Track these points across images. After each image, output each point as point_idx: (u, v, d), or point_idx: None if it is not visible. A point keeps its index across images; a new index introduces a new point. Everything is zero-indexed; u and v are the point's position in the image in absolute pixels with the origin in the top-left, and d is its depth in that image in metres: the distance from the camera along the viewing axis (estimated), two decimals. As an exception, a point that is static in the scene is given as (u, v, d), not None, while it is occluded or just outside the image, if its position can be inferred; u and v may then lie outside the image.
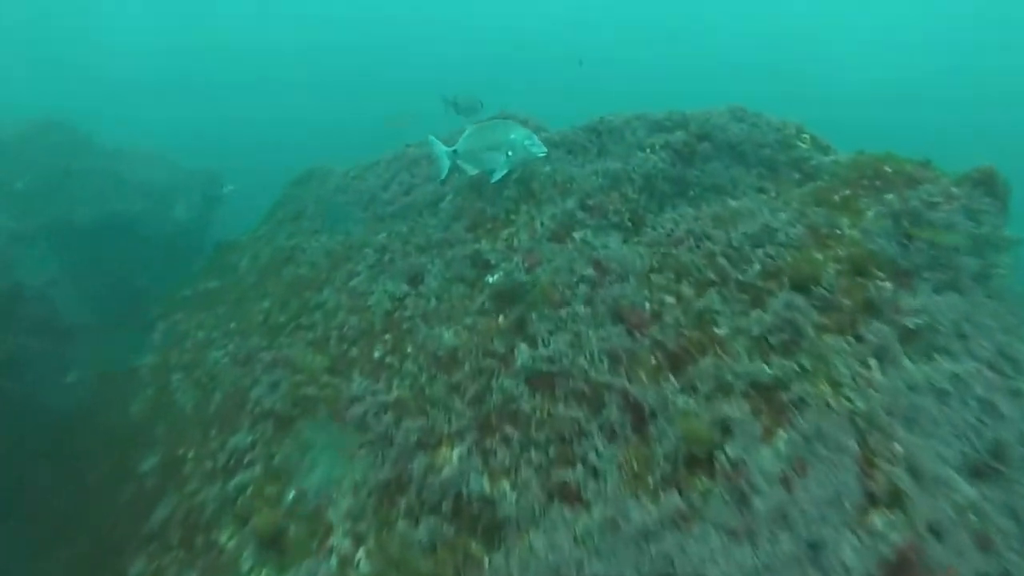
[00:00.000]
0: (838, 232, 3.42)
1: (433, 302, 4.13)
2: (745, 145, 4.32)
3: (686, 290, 3.41)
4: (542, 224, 4.25)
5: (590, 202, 4.23)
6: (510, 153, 4.50)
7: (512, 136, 4.47)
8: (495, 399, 3.27)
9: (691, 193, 4.28)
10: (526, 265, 3.92)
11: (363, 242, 5.24)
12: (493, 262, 4.13)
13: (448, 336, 3.76)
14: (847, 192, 3.80)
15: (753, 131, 4.37)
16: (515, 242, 4.24)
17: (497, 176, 4.58)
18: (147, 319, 6.70)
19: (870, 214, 3.52)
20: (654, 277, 3.54)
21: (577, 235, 4.07)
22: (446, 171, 4.90)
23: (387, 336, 4.11)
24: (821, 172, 4.16)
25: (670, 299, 3.39)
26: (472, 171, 4.75)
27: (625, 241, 4.00)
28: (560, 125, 5.15)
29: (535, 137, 4.45)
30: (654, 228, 3.99)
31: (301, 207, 6.73)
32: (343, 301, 4.64)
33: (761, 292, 3.22)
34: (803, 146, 4.45)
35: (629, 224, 4.09)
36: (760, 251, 3.42)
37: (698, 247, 3.62)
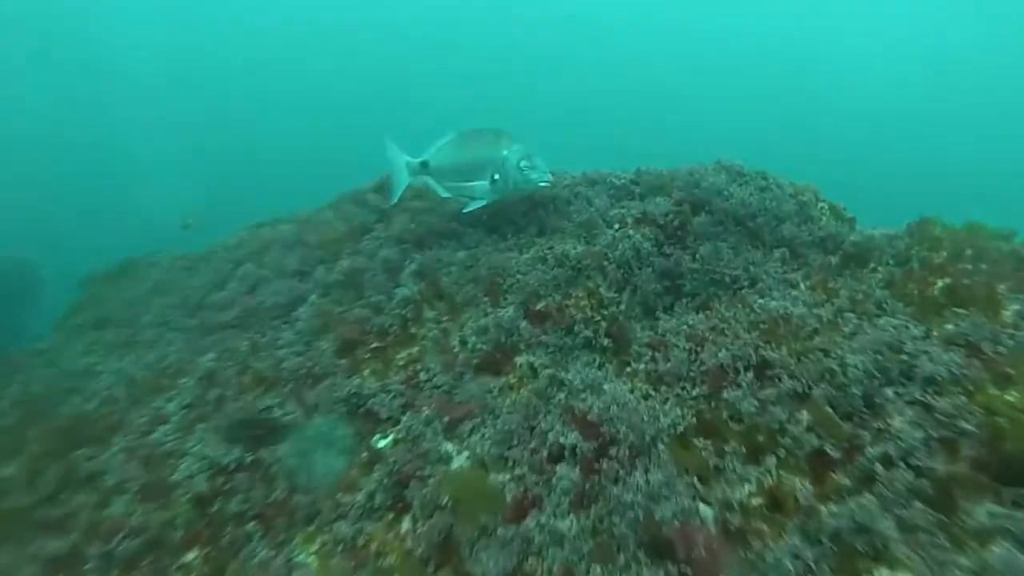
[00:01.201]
0: (1001, 350, 2.00)
1: (279, 488, 2.39)
2: (759, 218, 2.91)
3: (785, 480, 1.86)
4: (465, 343, 2.64)
5: (540, 306, 2.66)
6: (496, 176, 3.11)
7: (504, 153, 3.10)
8: None
9: (687, 287, 2.80)
10: (444, 422, 2.28)
11: (180, 367, 3.42)
12: (384, 412, 2.46)
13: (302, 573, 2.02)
14: (948, 281, 2.44)
15: (764, 198, 2.98)
16: (421, 374, 2.60)
17: (472, 206, 3.20)
18: None
19: None
20: (698, 448, 1.99)
21: (525, 361, 2.48)
22: (401, 189, 3.40)
23: (192, 555, 2.30)
24: (874, 253, 2.80)
25: (756, 498, 1.84)
26: (444, 193, 3.36)
27: (600, 366, 2.45)
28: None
29: (536, 159, 3.05)
30: (654, 349, 2.46)
31: (107, 311, 4.81)
32: (132, 472, 2.79)
33: (946, 486, 1.71)
34: (823, 218, 3.10)
35: (607, 342, 2.55)
36: (896, 391, 1.94)
37: (761, 384, 2.11)
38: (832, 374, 2.07)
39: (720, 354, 2.25)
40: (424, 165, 3.31)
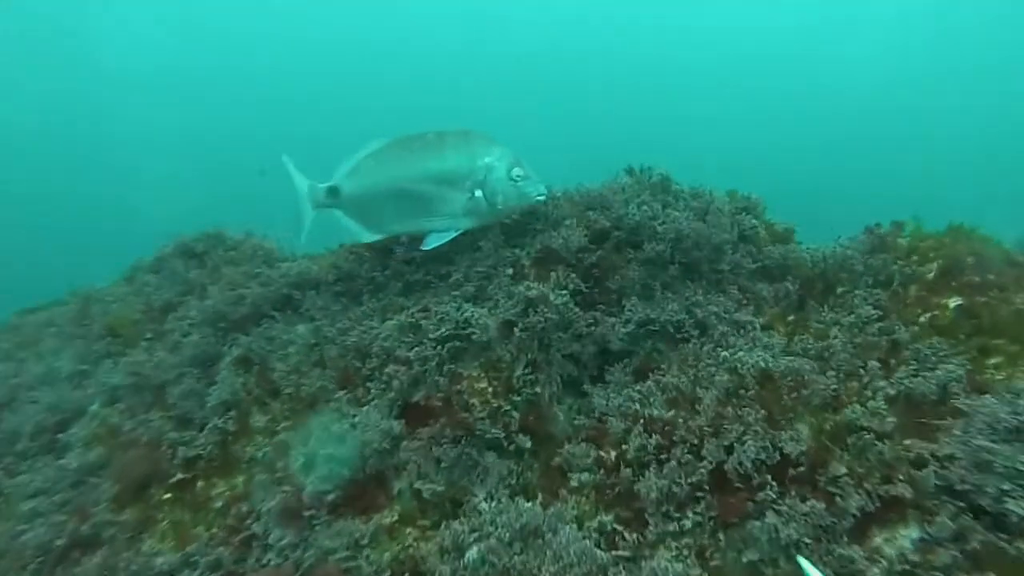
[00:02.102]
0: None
1: None
2: (697, 248, 2.21)
3: None
4: (312, 465, 1.76)
5: (418, 397, 1.83)
6: (477, 193, 2.15)
7: (486, 160, 2.16)
8: None
9: (617, 345, 2.05)
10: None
11: None
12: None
13: None
14: (960, 301, 1.84)
15: (703, 225, 2.29)
16: (250, 524, 1.69)
17: (434, 241, 2.18)
18: None
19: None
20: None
21: (406, 487, 1.63)
22: (307, 228, 2.35)
23: None
24: (840, 275, 2.18)
25: None
26: (367, 235, 2.26)
27: (523, 485, 1.64)
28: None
29: (525, 165, 2.18)
30: (597, 446, 1.68)
31: None
32: None
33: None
34: (764, 235, 2.46)
35: (524, 440, 1.75)
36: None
37: (800, 497, 1.38)
38: (919, 483, 1.36)
39: (708, 447, 1.49)
40: (332, 193, 2.25)
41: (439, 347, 1.90)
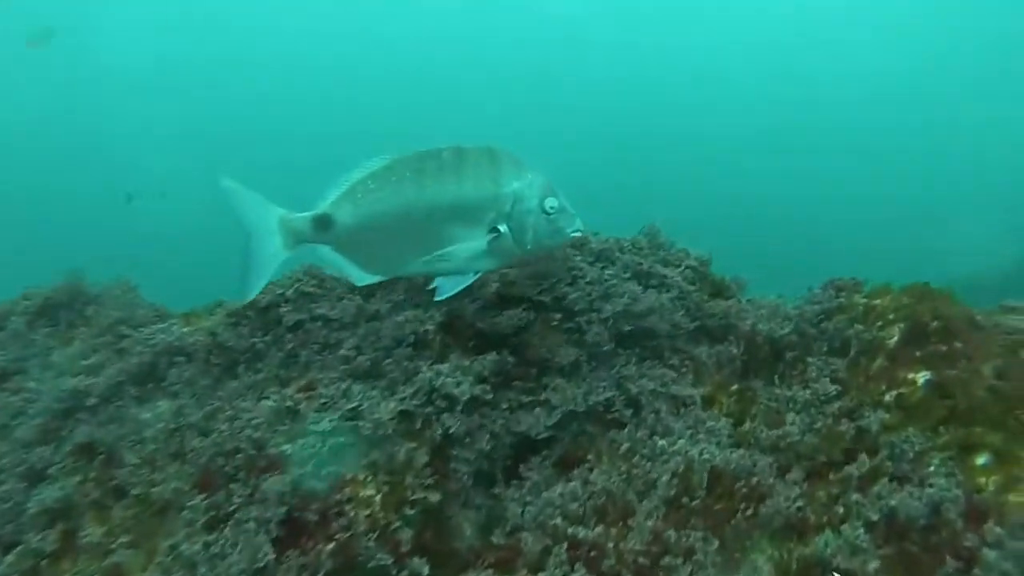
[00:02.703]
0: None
1: None
2: (633, 320, 1.91)
3: None
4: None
5: (290, 506, 1.47)
6: (503, 229, 1.68)
7: (515, 187, 1.68)
8: None
9: (537, 430, 1.73)
10: None
11: None
12: None
13: None
14: (929, 376, 1.60)
15: (643, 291, 2.00)
16: None
17: (448, 290, 1.72)
18: None
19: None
20: None
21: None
22: (267, 276, 1.75)
23: None
24: (790, 338, 1.91)
25: None
26: (364, 277, 1.76)
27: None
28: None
29: (559, 194, 1.72)
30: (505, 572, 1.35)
31: None
32: None
33: None
34: (701, 291, 2.19)
35: (414, 561, 1.41)
36: None
37: None
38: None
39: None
40: (323, 224, 1.70)
41: (319, 442, 1.55)
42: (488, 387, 1.70)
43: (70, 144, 25.58)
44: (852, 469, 1.38)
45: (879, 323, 1.83)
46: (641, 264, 2.03)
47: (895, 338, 1.78)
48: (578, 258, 1.98)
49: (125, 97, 26.75)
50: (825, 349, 1.84)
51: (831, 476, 1.40)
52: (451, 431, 1.61)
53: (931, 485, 1.29)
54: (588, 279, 1.92)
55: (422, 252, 1.71)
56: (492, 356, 1.76)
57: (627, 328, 1.87)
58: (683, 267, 2.18)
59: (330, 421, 1.57)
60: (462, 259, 1.71)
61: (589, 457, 1.64)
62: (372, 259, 1.74)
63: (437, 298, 1.73)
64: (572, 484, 1.54)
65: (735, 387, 1.90)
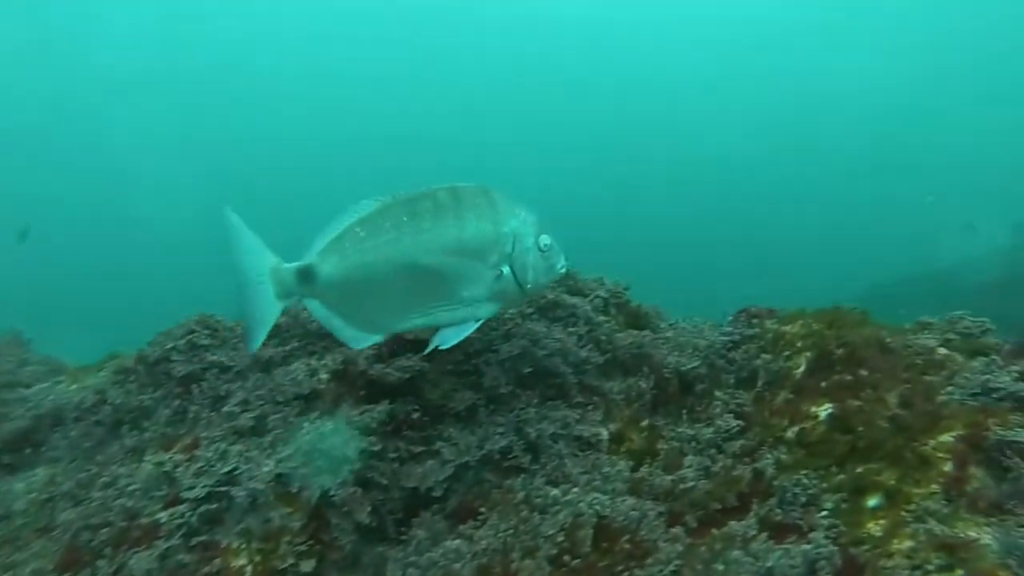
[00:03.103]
0: None
1: None
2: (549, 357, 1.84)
3: None
4: None
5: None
6: (504, 271, 1.58)
7: (513, 226, 1.59)
8: None
9: (431, 481, 1.65)
10: None
11: None
12: None
13: None
14: (831, 409, 1.53)
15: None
16: None
17: (456, 336, 1.57)
18: None
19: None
20: None
21: None
22: (266, 328, 1.57)
23: None
24: (699, 370, 1.85)
25: None
26: (358, 337, 1.59)
27: None
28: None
29: (549, 234, 1.64)
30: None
31: None
32: None
33: None
34: (612, 321, 2.12)
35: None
36: None
37: None
38: None
39: None
40: (306, 277, 1.55)
41: (192, 510, 1.46)
42: (375, 439, 1.61)
43: (68, 146, 25.40)
44: (737, 526, 1.31)
45: (787, 352, 1.77)
46: (545, 296, 1.96)
47: (802, 368, 1.73)
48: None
49: (121, 101, 26.63)
50: (732, 382, 1.77)
51: (715, 531, 1.32)
52: (332, 493, 1.52)
53: (809, 542, 1.21)
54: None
55: (422, 302, 1.58)
56: (383, 406, 1.68)
57: (526, 370, 1.80)
58: (593, 297, 2.12)
59: (204, 487, 1.48)
60: (465, 305, 1.59)
61: (482, 510, 1.55)
62: (362, 313, 1.58)
63: (442, 347, 1.59)
64: (457, 543, 1.45)
65: (645, 422, 1.83)
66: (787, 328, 1.85)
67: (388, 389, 1.74)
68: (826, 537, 1.23)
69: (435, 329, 1.62)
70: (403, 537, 1.57)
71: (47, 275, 20.55)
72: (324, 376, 1.76)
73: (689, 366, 1.85)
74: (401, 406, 1.72)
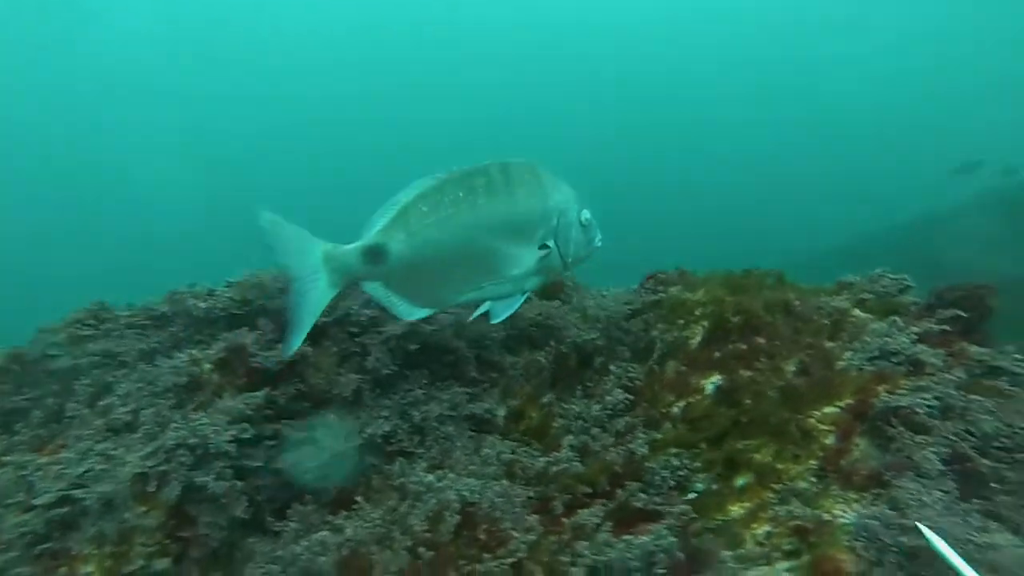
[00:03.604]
0: None
1: None
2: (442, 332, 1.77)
3: None
4: None
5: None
6: (551, 245, 1.62)
7: (558, 201, 1.63)
8: None
9: (312, 475, 1.59)
10: None
11: None
12: None
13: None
14: (718, 380, 1.46)
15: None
16: None
17: (508, 309, 1.62)
18: None
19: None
20: None
21: None
22: (314, 318, 1.49)
23: None
24: (597, 342, 1.77)
25: None
26: (413, 312, 1.58)
27: None
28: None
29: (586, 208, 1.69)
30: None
31: None
32: None
33: None
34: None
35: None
36: None
37: None
38: None
39: None
40: (375, 257, 1.51)
41: (42, 516, 1.40)
42: (249, 427, 1.55)
43: (67, 147, 25.35)
44: (585, 515, 1.24)
45: (682, 321, 1.69)
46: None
47: (697, 338, 1.65)
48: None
49: (123, 100, 26.50)
50: (627, 355, 1.70)
51: (565, 520, 1.26)
52: (203, 486, 1.46)
53: (650, 532, 1.15)
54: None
55: (476, 277, 1.59)
56: (262, 393, 1.61)
57: (413, 347, 1.73)
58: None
59: (57, 491, 1.42)
60: (514, 280, 1.61)
61: (358, 498, 1.49)
62: (425, 290, 1.58)
63: (494, 321, 1.63)
64: (323, 534, 1.39)
65: (546, 398, 1.75)
66: (689, 295, 1.77)
67: (270, 376, 1.67)
68: (675, 525, 1.16)
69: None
70: (277, 529, 1.51)
71: (47, 276, 20.67)
72: (207, 366, 1.69)
73: (586, 338, 1.77)
74: (283, 392, 1.65)
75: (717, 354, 1.57)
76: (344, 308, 1.76)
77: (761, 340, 1.57)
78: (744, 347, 1.55)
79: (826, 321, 1.68)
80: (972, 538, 1.18)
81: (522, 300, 1.63)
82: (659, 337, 1.67)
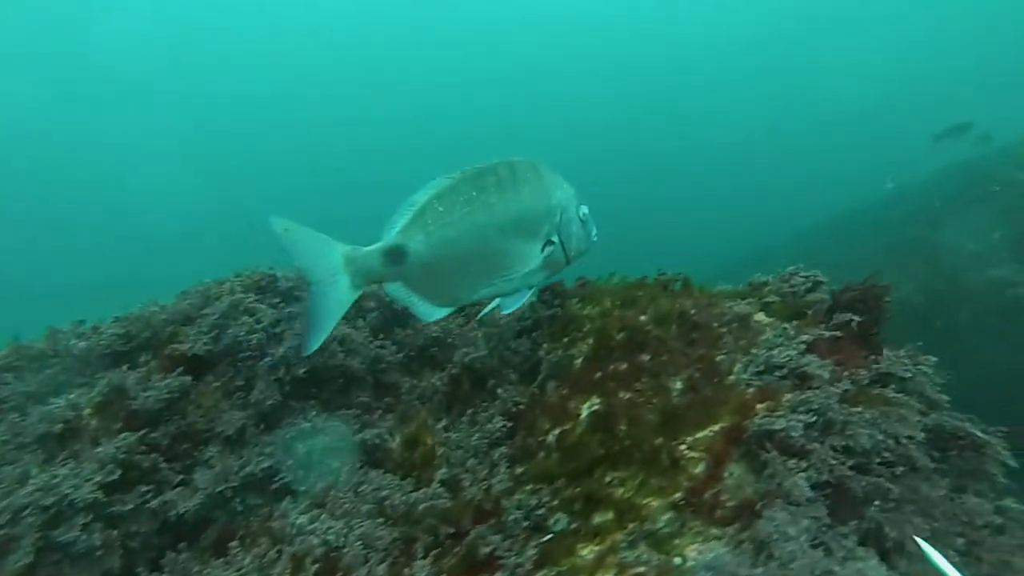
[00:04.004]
0: None
1: None
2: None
3: None
4: None
5: None
6: (555, 240, 1.65)
7: (559, 197, 1.67)
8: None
9: (185, 510, 1.54)
10: None
11: None
12: None
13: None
14: (597, 406, 1.41)
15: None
16: None
17: (515, 305, 1.62)
18: None
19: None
20: None
21: None
22: (335, 320, 1.49)
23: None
24: (491, 360, 1.72)
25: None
26: (434, 311, 1.58)
27: None
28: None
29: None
30: None
31: None
32: None
33: None
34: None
35: None
36: None
37: None
38: None
39: None
40: (396, 257, 1.51)
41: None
42: (118, 470, 1.50)
43: (67, 147, 25.22)
44: (420, 565, 1.19)
45: (567, 339, 1.63)
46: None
47: (581, 359, 1.59)
48: (254, 300, 1.77)
49: (122, 101, 26.31)
50: (515, 377, 1.64)
51: (406, 570, 1.21)
52: (68, 543, 1.42)
53: None
54: (262, 323, 1.72)
55: (489, 274, 1.60)
56: (136, 435, 1.56)
57: (302, 373, 1.68)
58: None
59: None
60: (521, 276, 1.62)
61: (234, 549, 1.45)
62: (442, 288, 1.58)
63: (505, 312, 1.64)
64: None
65: (442, 423, 1.70)
66: (581, 310, 1.71)
67: (151, 416, 1.62)
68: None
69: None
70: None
71: (46, 276, 20.64)
72: (88, 411, 1.64)
73: (474, 356, 1.71)
74: (163, 431, 1.61)
75: (599, 374, 1.51)
76: (232, 336, 1.71)
77: (645, 357, 1.51)
78: (625, 366, 1.49)
79: (724, 330, 1.62)
80: (834, 571, 1.13)
81: (528, 295, 1.64)
82: (545, 358, 1.61)
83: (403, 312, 1.89)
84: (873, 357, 1.50)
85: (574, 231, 1.68)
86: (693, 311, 1.66)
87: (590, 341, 1.59)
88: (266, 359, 1.69)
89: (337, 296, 1.49)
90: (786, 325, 1.56)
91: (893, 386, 1.44)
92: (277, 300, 1.81)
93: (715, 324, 1.65)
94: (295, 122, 29.04)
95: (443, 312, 1.60)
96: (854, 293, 1.61)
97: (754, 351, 1.52)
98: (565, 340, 1.63)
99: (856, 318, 1.55)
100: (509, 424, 1.51)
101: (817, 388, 1.40)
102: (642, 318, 1.59)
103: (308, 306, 1.49)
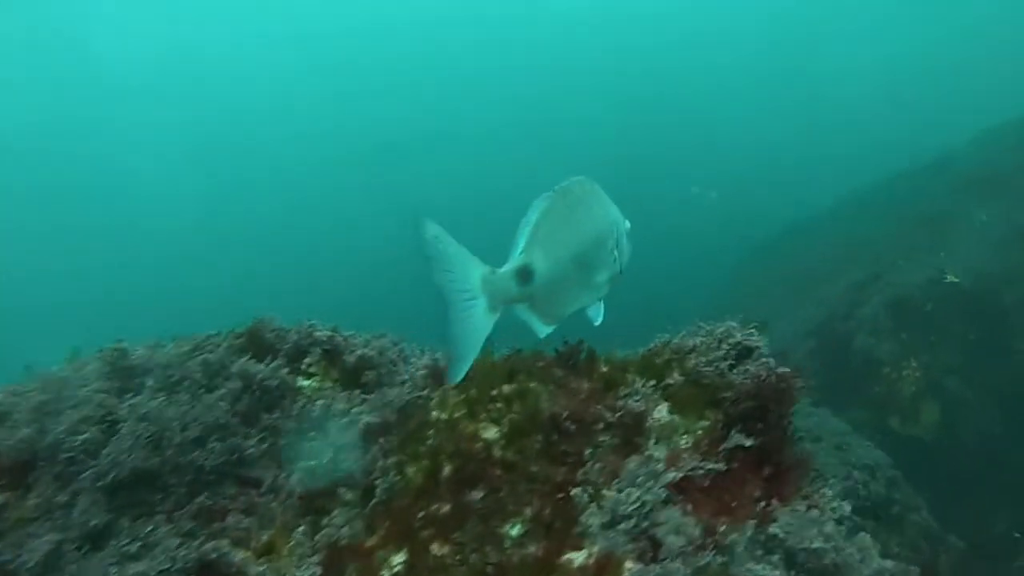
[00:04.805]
0: None
1: None
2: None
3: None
4: None
5: None
6: (616, 253, 1.77)
7: (614, 211, 1.79)
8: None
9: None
10: None
11: None
12: None
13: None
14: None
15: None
16: None
17: (600, 313, 1.75)
18: None
19: None
20: None
21: None
22: (479, 344, 1.41)
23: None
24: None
25: None
26: (547, 327, 1.61)
27: None
28: None
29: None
30: None
31: None
32: None
33: None
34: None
35: None
36: None
37: None
38: None
39: None
40: (525, 278, 1.50)
41: None
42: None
43: (67, 146, 25.94)
44: None
45: (408, 455, 1.35)
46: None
47: (420, 482, 1.31)
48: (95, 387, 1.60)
49: (122, 99, 26.90)
50: (350, 496, 1.39)
51: None
52: None
53: None
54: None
55: (583, 289, 1.67)
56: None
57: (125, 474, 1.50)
58: (285, 349, 1.75)
59: None
60: (599, 287, 1.70)
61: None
62: (554, 305, 1.61)
63: (597, 323, 1.70)
64: None
65: (300, 528, 1.50)
66: (437, 411, 1.42)
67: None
68: None
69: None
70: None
71: (46, 277, 21.22)
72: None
73: (326, 460, 1.47)
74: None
75: (421, 515, 1.23)
76: (55, 435, 1.54)
77: (476, 495, 1.22)
78: (447, 509, 1.21)
79: (605, 438, 1.30)
80: None
81: (602, 306, 1.70)
82: (379, 477, 1.35)
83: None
84: (765, 504, 1.13)
85: (624, 245, 1.74)
86: (566, 414, 1.34)
87: (424, 463, 1.31)
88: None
89: (477, 319, 1.42)
90: (650, 452, 1.21)
91: (779, 554, 1.08)
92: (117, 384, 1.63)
93: (597, 427, 1.33)
94: (297, 120, 28.76)
95: (551, 329, 1.60)
96: (748, 398, 1.23)
97: (615, 486, 1.19)
98: (403, 456, 1.35)
99: (747, 443, 1.18)
100: (318, 570, 1.28)
101: (665, 560, 1.07)
102: (491, 433, 1.29)
103: (450, 328, 1.42)
